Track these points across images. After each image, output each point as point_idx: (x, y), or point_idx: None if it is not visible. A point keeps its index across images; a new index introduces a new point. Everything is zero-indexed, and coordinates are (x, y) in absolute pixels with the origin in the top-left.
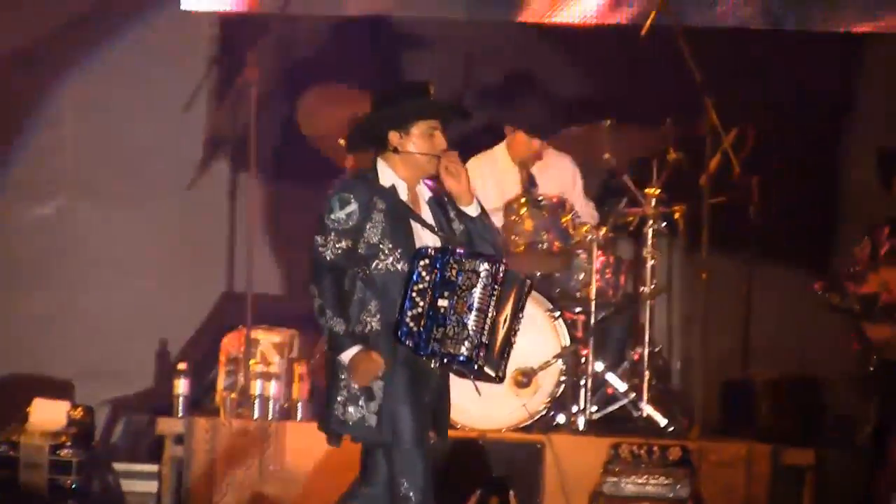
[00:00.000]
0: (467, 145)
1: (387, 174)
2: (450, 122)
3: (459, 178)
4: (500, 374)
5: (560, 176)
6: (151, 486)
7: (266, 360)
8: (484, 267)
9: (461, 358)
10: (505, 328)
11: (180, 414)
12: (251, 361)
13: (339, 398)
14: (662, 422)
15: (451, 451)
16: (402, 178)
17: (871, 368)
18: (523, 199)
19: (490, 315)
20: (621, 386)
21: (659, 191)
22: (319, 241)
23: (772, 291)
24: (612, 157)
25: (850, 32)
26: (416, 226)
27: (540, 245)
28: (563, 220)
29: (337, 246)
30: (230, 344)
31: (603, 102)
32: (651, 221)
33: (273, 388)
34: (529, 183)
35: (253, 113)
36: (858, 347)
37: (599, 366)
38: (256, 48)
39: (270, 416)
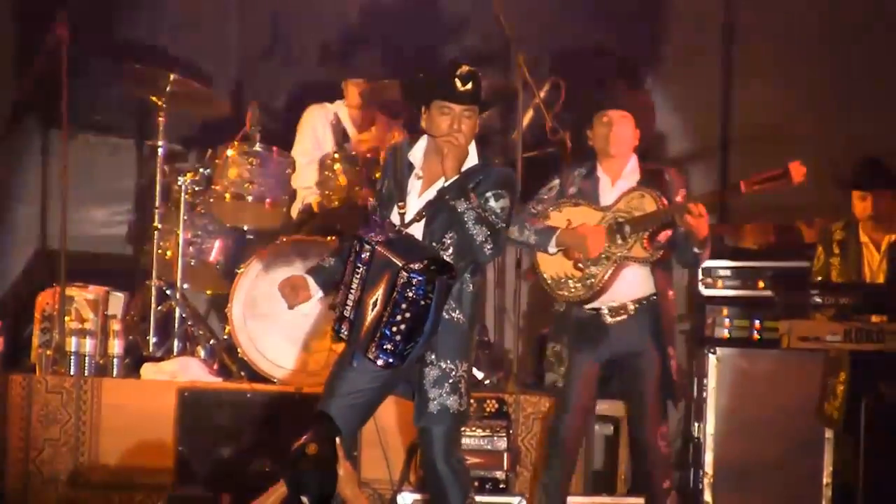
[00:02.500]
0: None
1: (419, 146)
2: (465, 104)
3: (445, 158)
4: (370, 356)
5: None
6: None
7: (81, 318)
8: (361, 247)
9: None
10: (374, 312)
11: None
12: (66, 318)
13: None
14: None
15: (271, 405)
16: (424, 153)
17: (559, 309)
18: (336, 155)
19: (354, 292)
20: None
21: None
22: None
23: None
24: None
25: None
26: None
27: (354, 200)
28: (377, 175)
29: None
30: (45, 301)
31: (415, 56)
32: None
33: (88, 344)
34: (343, 138)
35: (63, 70)
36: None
37: None
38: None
39: (86, 373)
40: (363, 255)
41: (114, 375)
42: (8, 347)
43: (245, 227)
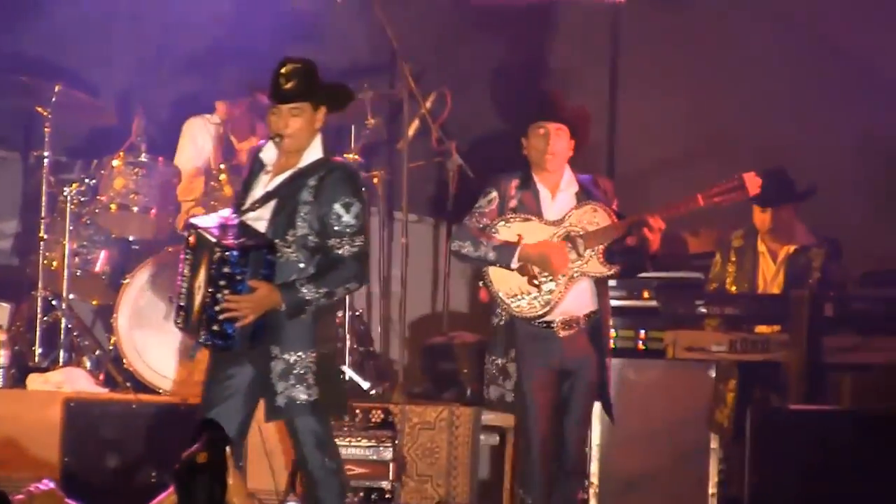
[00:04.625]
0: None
1: (270, 145)
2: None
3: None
4: (199, 340)
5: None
6: None
7: None
8: (188, 233)
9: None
10: (200, 294)
11: None
12: None
13: None
14: (364, 385)
15: (158, 416)
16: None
17: (509, 320)
18: (223, 166)
19: (185, 279)
20: None
21: (357, 156)
22: None
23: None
24: None
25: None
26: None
27: None
28: None
29: None
30: None
31: None
32: None
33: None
34: (228, 150)
35: None
36: (487, 300)
37: None
38: None
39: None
40: (189, 241)
41: None
42: None
43: (131, 238)
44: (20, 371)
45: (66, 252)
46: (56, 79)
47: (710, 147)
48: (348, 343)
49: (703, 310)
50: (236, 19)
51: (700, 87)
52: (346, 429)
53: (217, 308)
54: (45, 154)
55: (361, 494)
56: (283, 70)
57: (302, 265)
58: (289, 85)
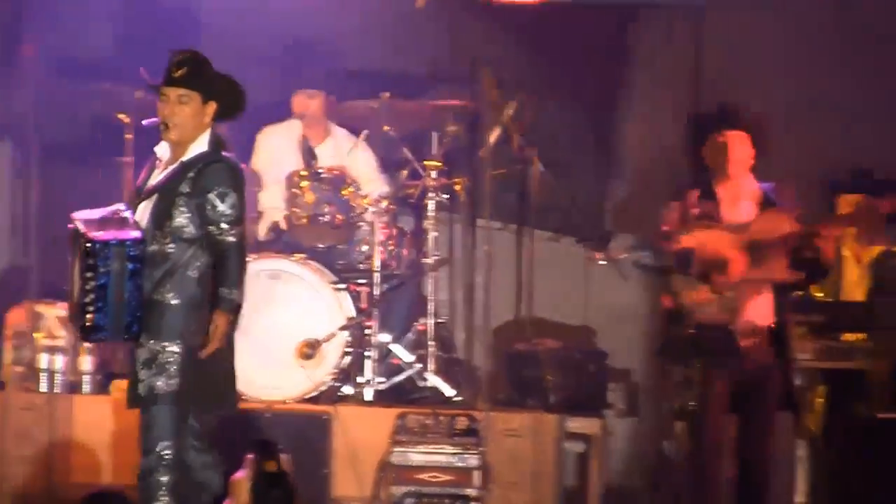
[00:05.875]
0: (258, 119)
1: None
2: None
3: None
4: (78, 334)
5: (339, 148)
6: None
7: (52, 334)
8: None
9: None
10: (77, 285)
11: None
12: (37, 335)
13: None
14: (449, 392)
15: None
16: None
17: (690, 329)
18: (303, 173)
19: (70, 272)
20: (407, 357)
21: (439, 163)
22: None
23: (553, 261)
24: (391, 129)
25: (626, 4)
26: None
27: (322, 218)
28: (344, 192)
29: None
30: (15, 318)
31: (382, 75)
32: (432, 193)
33: (59, 361)
34: (309, 156)
35: (31, 90)
36: (670, 307)
37: (385, 337)
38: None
39: (57, 390)
40: (71, 234)
41: (85, 392)
42: None
43: None
44: (105, 377)
45: None
46: (138, 86)
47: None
48: (432, 350)
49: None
50: (317, 26)
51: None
52: (430, 436)
53: (86, 300)
54: (128, 160)
55: (447, 501)
56: (175, 58)
57: (174, 257)
58: (179, 72)
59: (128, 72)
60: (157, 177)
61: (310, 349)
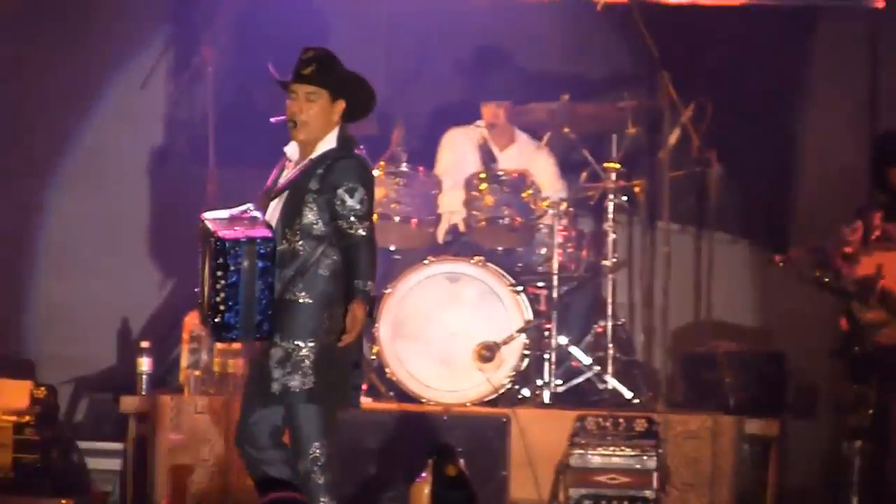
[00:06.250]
0: (444, 120)
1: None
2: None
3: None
4: (210, 331)
5: (523, 153)
6: (116, 464)
7: None
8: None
9: None
10: (207, 284)
11: (143, 392)
12: None
13: None
14: (627, 394)
15: (404, 423)
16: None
17: (869, 348)
18: (483, 175)
19: (200, 272)
20: (585, 359)
21: (619, 165)
22: None
23: (731, 264)
24: (571, 131)
25: (806, 5)
26: None
27: (501, 220)
28: (524, 194)
29: None
30: (193, 321)
31: (561, 77)
32: (611, 195)
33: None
34: (489, 158)
35: (209, 92)
36: (848, 329)
37: (563, 339)
38: (212, 26)
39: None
40: (200, 234)
41: None
42: (156, 368)
43: (391, 247)
44: None
45: None
46: None
47: None
48: (610, 352)
49: None
50: (497, 30)
51: None
52: (609, 438)
53: (217, 299)
54: None
55: (626, 503)
56: (304, 55)
57: (305, 255)
58: (308, 69)
59: None
60: (286, 176)
61: (488, 352)
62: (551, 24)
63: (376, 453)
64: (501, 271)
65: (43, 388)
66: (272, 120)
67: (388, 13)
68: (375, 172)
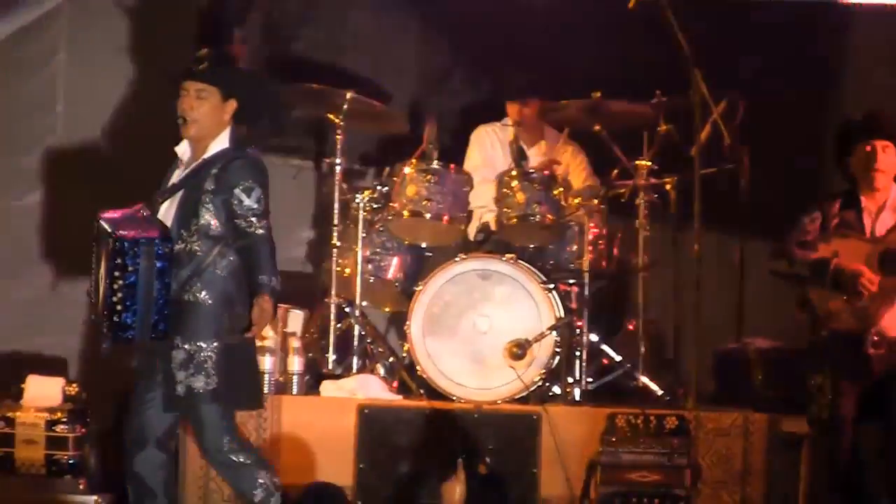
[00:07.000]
0: (468, 119)
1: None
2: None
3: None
4: (103, 332)
5: (552, 150)
6: None
7: (260, 335)
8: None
9: None
10: (103, 284)
11: None
12: None
13: None
14: (658, 391)
15: (435, 421)
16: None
17: (824, 336)
18: (514, 172)
19: (93, 272)
20: (616, 356)
21: (650, 162)
22: None
23: (763, 261)
24: (602, 128)
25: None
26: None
27: (532, 218)
28: (555, 192)
29: None
30: None
31: (593, 74)
32: (642, 193)
33: (268, 362)
34: (520, 156)
35: None
36: (802, 315)
37: (594, 336)
38: (244, 25)
39: (266, 391)
40: (95, 233)
41: (293, 393)
42: None
43: (423, 245)
44: (314, 378)
45: (359, 259)
46: (348, 86)
47: None
48: (642, 350)
49: None
50: (528, 26)
51: None
52: (640, 435)
53: (114, 299)
54: (338, 162)
55: (656, 501)
56: (199, 53)
57: (201, 255)
58: (200, 66)
59: (339, 73)
60: (178, 175)
61: (519, 349)
62: (583, 20)
63: (408, 451)
64: (532, 269)
65: (75, 385)
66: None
67: (420, 11)
68: (406, 170)
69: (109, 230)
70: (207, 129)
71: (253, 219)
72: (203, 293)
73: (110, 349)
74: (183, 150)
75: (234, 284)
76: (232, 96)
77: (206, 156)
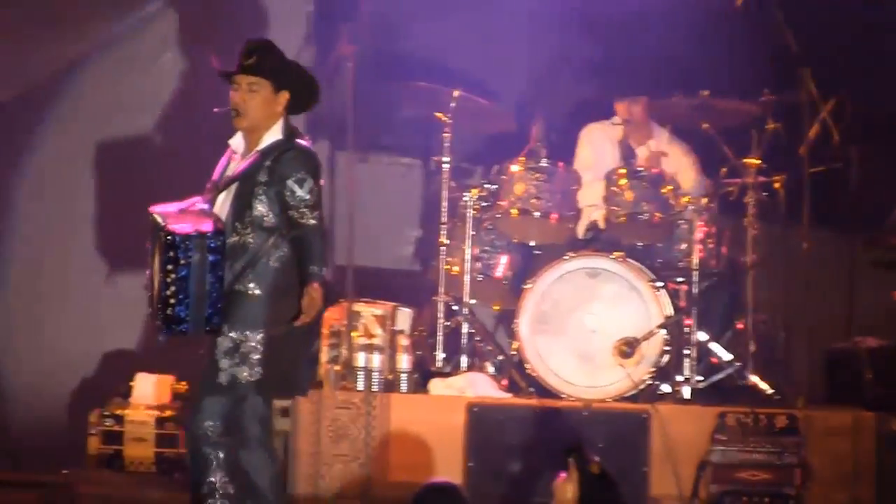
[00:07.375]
0: (584, 115)
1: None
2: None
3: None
4: (159, 324)
5: (660, 148)
6: None
7: (368, 333)
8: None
9: None
10: (158, 277)
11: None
12: (353, 334)
13: None
14: (768, 390)
15: (545, 419)
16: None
17: None
18: (622, 171)
19: (150, 265)
20: (726, 355)
21: (759, 160)
22: None
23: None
24: (710, 127)
25: None
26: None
27: (641, 216)
28: (664, 190)
29: None
30: (332, 317)
31: (701, 72)
32: (751, 191)
33: (376, 360)
34: (629, 154)
35: (350, 89)
36: None
37: (703, 335)
38: (353, 22)
39: (374, 389)
40: (150, 227)
41: (402, 391)
42: None
43: (531, 243)
44: (423, 376)
45: (468, 257)
46: (456, 85)
47: None
48: (751, 349)
49: None
50: (637, 24)
51: None
52: (750, 434)
53: (167, 292)
54: (446, 160)
55: (766, 500)
56: (247, 46)
57: (255, 247)
58: (249, 60)
59: (446, 70)
60: (233, 168)
61: (628, 347)
62: (691, 18)
63: (517, 449)
64: (641, 267)
65: (185, 383)
66: (215, 110)
67: (527, 9)
68: (515, 168)
69: (162, 224)
70: (260, 121)
71: (305, 210)
72: (253, 284)
73: (165, 342)
74: (237, 142)
75: (285, 275)
76: (283, 87)
77: (259, 148)
